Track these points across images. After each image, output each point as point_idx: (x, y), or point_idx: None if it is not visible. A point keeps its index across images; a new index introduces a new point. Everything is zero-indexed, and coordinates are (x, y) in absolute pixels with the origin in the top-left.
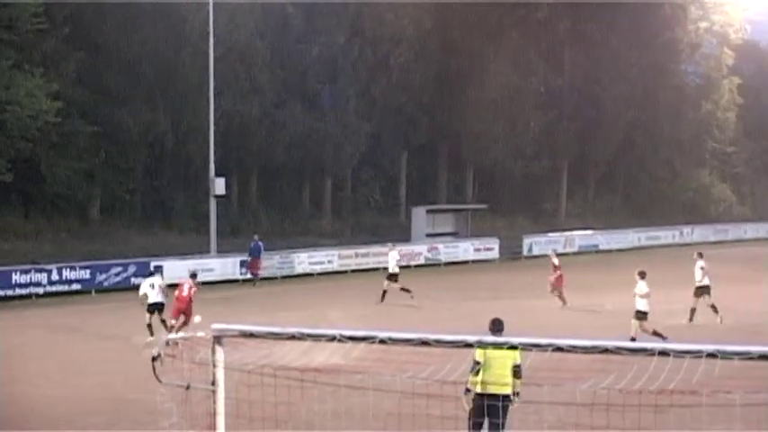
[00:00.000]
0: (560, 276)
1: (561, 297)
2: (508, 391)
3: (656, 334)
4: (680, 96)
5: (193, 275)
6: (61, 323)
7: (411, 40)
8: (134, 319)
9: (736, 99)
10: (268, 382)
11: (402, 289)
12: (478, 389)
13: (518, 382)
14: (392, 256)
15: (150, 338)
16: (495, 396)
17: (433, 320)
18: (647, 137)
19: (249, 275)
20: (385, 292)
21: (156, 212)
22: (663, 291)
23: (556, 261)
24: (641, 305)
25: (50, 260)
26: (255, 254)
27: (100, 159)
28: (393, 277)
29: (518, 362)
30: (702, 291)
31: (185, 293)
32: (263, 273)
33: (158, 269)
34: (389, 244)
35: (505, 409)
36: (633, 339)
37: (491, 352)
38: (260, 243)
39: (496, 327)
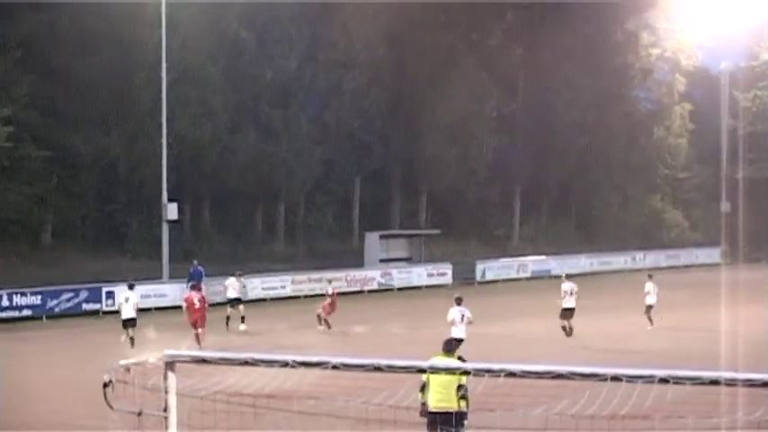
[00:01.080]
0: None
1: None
2: (455, 407)
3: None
4: (632, 122)
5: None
6: (12, 349)
7: (364, 65)
8: (86, 345)
9: (687, 125)
10: (221, 408)
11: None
12: (429, 406)
13: (463, 403)
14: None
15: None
16: (443, 413)
17: (387, 346)
18: (600, 162)
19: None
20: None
21: (109, 237)
22: (614, 315)
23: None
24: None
25: (1, 286)
26: (196, 279)
27: (52, 184)
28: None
29: (462, 382)
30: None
31: (197, 305)
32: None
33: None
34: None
35: (457, 425)
36: None
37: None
38: (200, 268)
39: (448, 347)
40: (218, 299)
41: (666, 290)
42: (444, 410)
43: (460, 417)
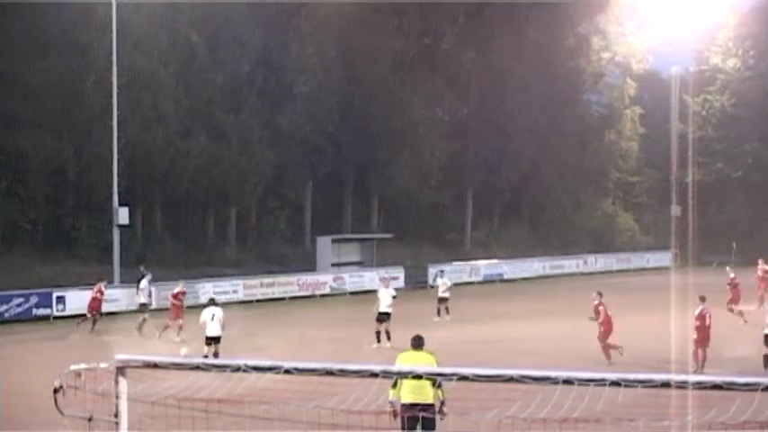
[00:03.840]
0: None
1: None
2: (429, 400)
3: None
4: (584, 126)
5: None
6: None
7: (316, 69)
8: (36, 351)
9: (638, 129)
10: (172, 413)
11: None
12: (403, 399)
13: (439, 392)
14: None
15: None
16: (416, 405)
17: (340, 350)
18: (553, 166)
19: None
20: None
21: (59, 242)
22: (567, 318)
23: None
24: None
25: None
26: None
27: (0, 188)
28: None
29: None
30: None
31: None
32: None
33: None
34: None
35: (430, 418)
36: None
37: (407, 363)
38: (146, 273)
39: (417, 342)
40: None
41: (618, 293)
42: (421, 403)
43: (439, 406)
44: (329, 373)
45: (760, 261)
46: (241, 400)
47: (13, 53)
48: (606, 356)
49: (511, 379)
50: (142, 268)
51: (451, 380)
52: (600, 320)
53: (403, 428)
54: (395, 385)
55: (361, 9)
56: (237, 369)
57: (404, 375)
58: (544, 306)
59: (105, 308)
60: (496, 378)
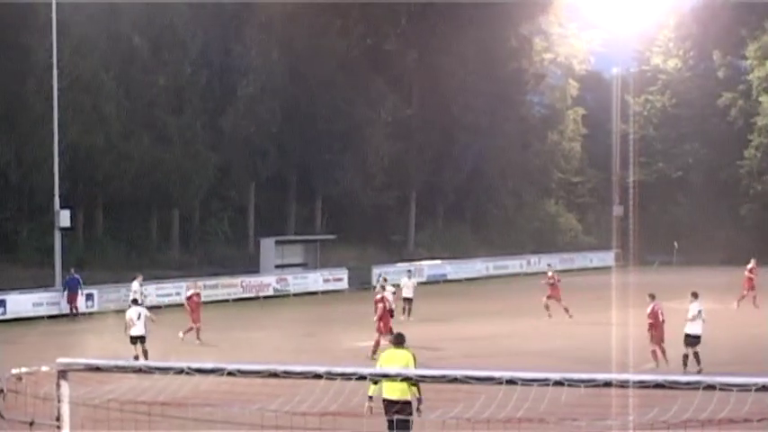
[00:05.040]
0: None
1: None
2: (407, 396)
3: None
4: (526, 127)
5: None
6: None
7: (258, 70)
8: None
9: (580, 129)
10: (115, 416)
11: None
12: (384, 395)
13: (414, 388)
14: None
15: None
16: (394, 402)
17: (283, 351)
18: (495, 167)
19: (71, 310)
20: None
21: (0, 245)
22: (509, 319)
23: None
24: (691, 329)
25: None
26: (73, 288)
27: None
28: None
29: (410, 368)
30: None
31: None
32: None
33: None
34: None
35: (408, 413)
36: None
37: (386, 360)
38: (77, 277)
39: (398, 340)
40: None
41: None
42: (400, 400)
43: (416, 403)
44: (273, 375)
45: (752, 261)
46: (184, 403)
47: None
48: (654, 359)
49: (454, 379)
50: (136, 275)
51: (395, 380)
52: (652, 322)
53: (389, 425)
54: (376, 381)
55: (304, 10)
56: (180, 371)
57: (348, 377)
58: (488, 306)
59: (46, 311)
60: (440, 378)
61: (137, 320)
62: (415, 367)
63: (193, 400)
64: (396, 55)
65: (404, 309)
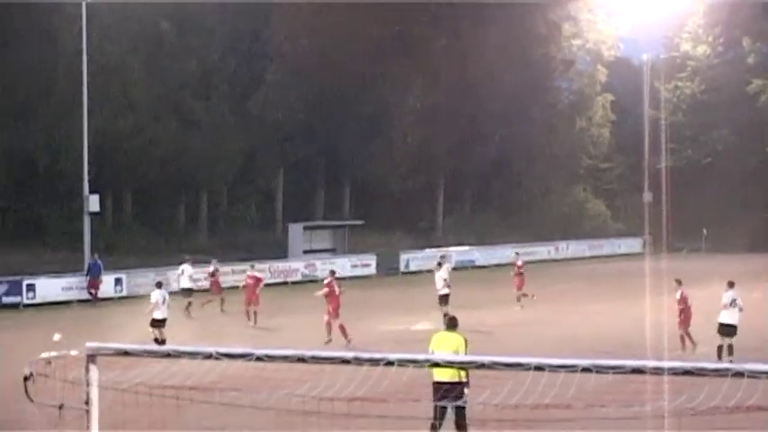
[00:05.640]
0: None
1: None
2: (455, 378)
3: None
4: (554, 113)
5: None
6: None
7: (287, 56)
8: (6, 339)
9: (609, 115)
10: (143, 400)
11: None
12: (434, 377)
13: (463, 373)
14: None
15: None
16: (443, 383)
17: (311, 337)
18: (523, 153)
19: (89, 294)
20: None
21: (29, 230)
22: (537, 305)
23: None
24: (725, 318)
25: None
26: (95, 273)
27: None
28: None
29: (461, 353)
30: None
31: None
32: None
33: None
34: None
35: (458, 395)
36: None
37: (437, 343)
38: (99, 262)
39: (452, 323)
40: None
41: (589, 280)
42: (448, 382)
43: (463, 386)
44: (301, 360)
45: None
46: (212, 388)
47: None
48: (682, 345)
49: (482, 365)
50: (187, 257)
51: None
52: (682, 308)
53: (435, 402)
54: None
55: None
56: (209, 356)
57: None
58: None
59: (76, 296)
60: (468, 365)
61: (161, 304)
62: (467, 351)
63: (221, 384)
64: (424, 41)
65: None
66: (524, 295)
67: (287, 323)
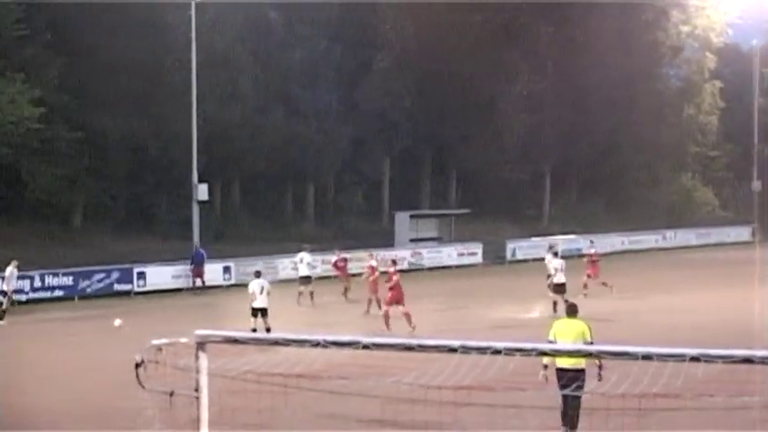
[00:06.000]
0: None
1: None
2: (581, 365)
3: None
4: (662, 100)
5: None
6: (44, 330)
7: (393, 45)
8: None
9: (718, 103)
10: (251, 388)
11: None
12: (557, 364)
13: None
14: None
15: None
16: (567, 370)
17: (418, 325)
18: (630, 141)
19: (197, 283)
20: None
21: (139, 218)
22: (645, 294)
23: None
24: None
25: (33, 267)
26: (198, 262)
27: (82, 165)
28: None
29: (588, 338)
30: None
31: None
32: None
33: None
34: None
35: (580, 382)
36: None
37: (559, 330)
38: (201, 251)
39: (572, 310)
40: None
41: (698, 268)
42: (573, 368)
43: (582, 375)
44: (408, 348)
45: None
46: (319, 375)
47: (93, 31)
48: None
49: (590, 355)
50: (305, 245)
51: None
52: None
53: (560, 389)
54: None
55: None
56: (316, 344)
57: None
58: (625, 281)
59: (185, 284)
60: (574, 353)
61: (259, 293)
62: (591, 336)
63: (328, 372)
64: (531, 28)
65: (554, 304)
66: (604, 284)
67: (394, 312)
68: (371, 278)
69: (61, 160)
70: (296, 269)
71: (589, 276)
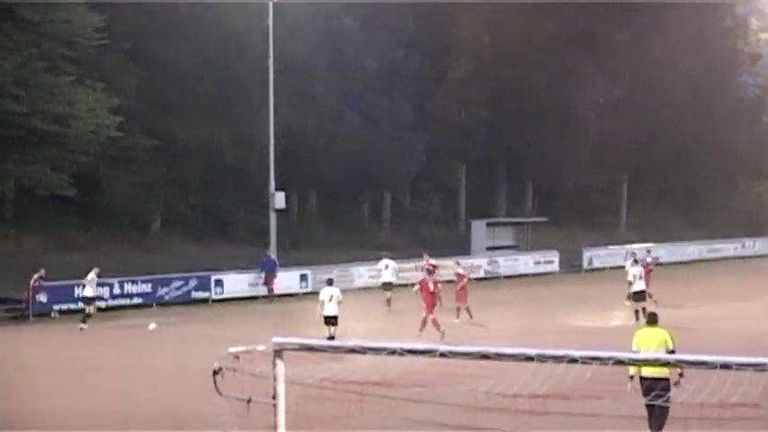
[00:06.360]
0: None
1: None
2: (664, 374)
3: None
4: (739, 108)
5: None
6: (123, 336)
7: (468, 53)
8: (195, 333)
9: None
10: (328, 395)
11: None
12: (641, 373)
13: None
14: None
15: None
16: (651, 379)
17: (494, 334)
18: (707, 148)
19: (266, 292)
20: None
21: (216, 226)
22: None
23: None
24: None
25: (112, 274)
26: (269, 269)
27: (160, 173)
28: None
29: (670, 347)
30: None
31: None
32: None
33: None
34: None
35: (664, 390)
36: None
37: (642, 339)
38: (273, 258)
39: (652, 319)
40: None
41: None
42: (656, 377)
43: (666, 384)
44: (484, 356)
45: None
46: (396, 383)
47: (170, 40)
48: None
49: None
50: (385, 253)
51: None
52: None
53: (645, 398)
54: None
55: None
56: (393, 352)
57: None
58: (704, 289)
59: (262, 291)
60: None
61: (327, 301)
62: (673, 345)
63: (405, 380)
64: (606, 36)
65: (636, 312)
66: (649, 295)
67: (470, 320)
68: (459, 286)
69: (139, 168)
70: (378, 276)
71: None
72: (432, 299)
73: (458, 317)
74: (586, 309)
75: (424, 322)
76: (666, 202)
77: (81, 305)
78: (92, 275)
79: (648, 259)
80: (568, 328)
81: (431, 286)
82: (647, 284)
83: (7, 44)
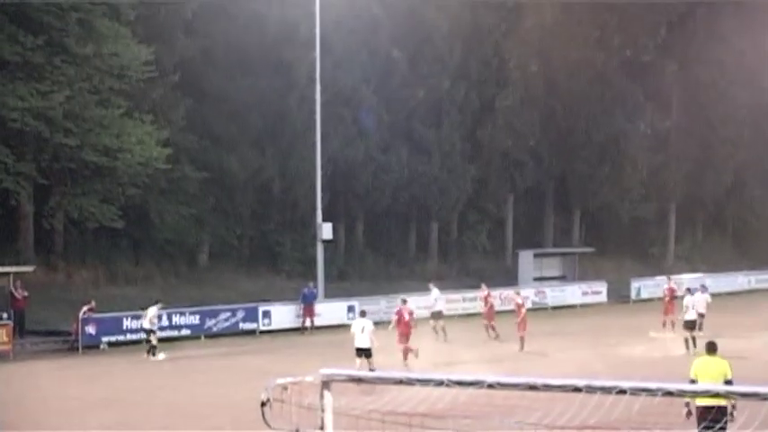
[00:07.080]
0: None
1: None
2: (722, 402)
3: None
4: None
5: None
6: (171, 368)
7: (516, 83)
8: (243, 364)
9: None
10: (376, 426)
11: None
12: (697, 402)
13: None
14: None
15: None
16: (710, 408)
17: (542, 365)
18: (757, 178)
19: (306, 323)
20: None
21: (264, 257)
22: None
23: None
24: None
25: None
26: (309, 301)
27: (208, 205)
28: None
29: (729, 377)
30: None
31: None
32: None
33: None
34: None
35: (720, 419)
36: None
37: (700, 368)
38: (314, 290)
39: (711, 348)
40: (384, 317)
41: None
42: (714, 406)
43: (728, 410)
44: (532, 387)
45: None
46: (444, 415)
47: (219, 72)
48: None
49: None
50: (431, 285)
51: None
52: None
53: (699, 427)
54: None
55: (561, 22)
56: (441, 383)
57: (607, 391)
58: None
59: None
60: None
61: (359, 333)
62: (732, 374)
63: (452, 411)
64: (654, 66)
65: (686, 341)
66: (672, 323)
67: (518, 351)
68: (520, 317)
69: (188, 200)
70: (430, 306)
71: (666, 314)
72: (407, 329)
73: (522, 348)
74: (635, 339)
75: (405, 353)
76: (716, 232)
77: (129, 337)
78: (155, 310)
79: (668, 285)
80: (616, 358)
81: (406, 316)
82: (666, 312)
83: (58, 78)
